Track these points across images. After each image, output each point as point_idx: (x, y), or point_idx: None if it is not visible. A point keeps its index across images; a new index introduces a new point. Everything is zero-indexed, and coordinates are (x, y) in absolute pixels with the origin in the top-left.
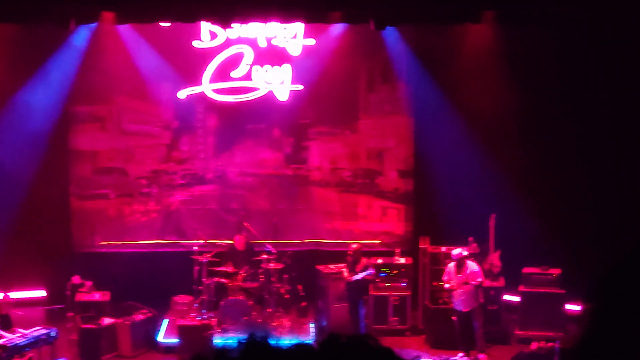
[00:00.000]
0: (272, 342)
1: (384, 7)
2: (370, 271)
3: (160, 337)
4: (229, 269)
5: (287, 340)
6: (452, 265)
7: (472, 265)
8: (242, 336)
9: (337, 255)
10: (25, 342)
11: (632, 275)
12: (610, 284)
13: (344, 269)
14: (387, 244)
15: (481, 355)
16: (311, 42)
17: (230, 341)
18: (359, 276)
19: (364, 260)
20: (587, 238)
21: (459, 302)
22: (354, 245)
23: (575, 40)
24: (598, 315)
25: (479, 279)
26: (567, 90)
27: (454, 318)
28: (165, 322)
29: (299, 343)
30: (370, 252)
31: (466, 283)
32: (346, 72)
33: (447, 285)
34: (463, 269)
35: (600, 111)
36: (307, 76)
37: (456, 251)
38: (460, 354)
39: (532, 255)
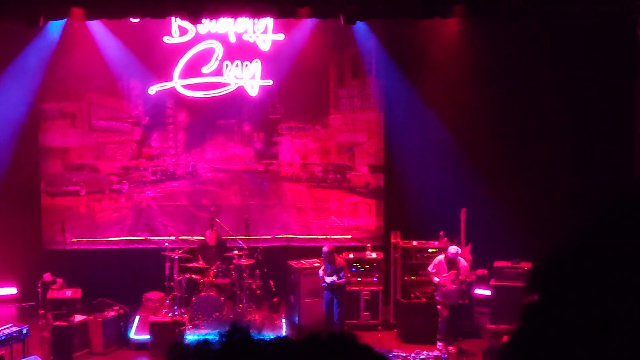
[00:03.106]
0: (253, 334)
1: (354, 2)
2: (341, 276)
3: (132, 334)
4: (200, 264)
5: (262, 336)
6: (442, 257)
7: (462, 261)
8: (221, 329)
9: (308, 251)
10: None
11: (567, 267)
12: (544, 276)
13: (320, 268)
14: (358, 239)
15: (450, 347)
16: (281, 37)
17: (204, 336)
18: (328, 280)
19: (339, 261)
20: (558, 231)
21: (448, 296)
22: (325, 248)
23: (542, 34)
24: (533, 309)
25: (472, 275)
26: (536, 84)
27: (438, 307)
28: (136, 319)
29: (279, 336)
30: (342, 247)
31: (463, 281)
32: (316, 67)
33: (436, 279)
34: (455, 265)
35: (570, 105)
36: (277, 71)
37: (453, 249)
38: (440, 345)
39: (503, 249)
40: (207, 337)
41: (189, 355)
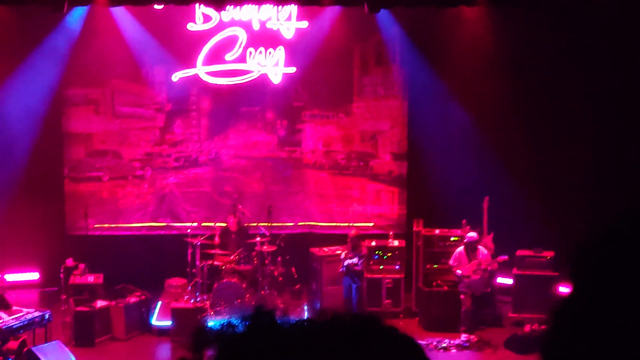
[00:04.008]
0: (278, 317)
1: None
2: (355, 260)
3: (154, 320)
4: (222, 251)
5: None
6: (461, 249)
7: (482, 250)
8: (247, 313)
9: (330, 238)
10: (19, 325)
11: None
12: (582, 263)
13: (343, 253)
14: (380, 227)
15: (472, 336)
16: (305, 24)
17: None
18: (347, 262)
19: (363, 248)
20: (581, 220)
21: (472, 286)
22: (353, 231)
23: (570, 22)
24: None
25: (494, 263)
26: (562, 73)
27: (462, 297)
28: (158, 305)
29: (304, 319)
30: (364, 235)
31: (485, 270)
32: (340, 55)
33: (459, 272)
34: (476, 254)
35: (594, 94)
36: (301, 59)
37: (471, 234)
38: (464, 336)
39: (526, 237)
40: (231, 320)
41: (212, 339)
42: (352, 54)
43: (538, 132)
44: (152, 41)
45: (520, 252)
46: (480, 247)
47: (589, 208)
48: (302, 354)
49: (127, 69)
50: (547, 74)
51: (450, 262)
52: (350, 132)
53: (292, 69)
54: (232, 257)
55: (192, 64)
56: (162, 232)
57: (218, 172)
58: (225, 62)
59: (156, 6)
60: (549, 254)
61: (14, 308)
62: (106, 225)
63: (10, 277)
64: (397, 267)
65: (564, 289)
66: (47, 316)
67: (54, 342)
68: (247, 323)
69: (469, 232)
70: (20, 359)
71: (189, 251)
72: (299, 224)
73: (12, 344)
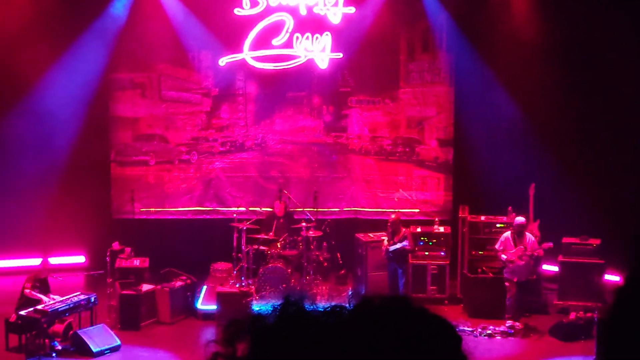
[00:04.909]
0: (307, 305)
1: None
2: (405, 243)
3: (199, 304)
4: (268, 236)
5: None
6: (508, 234)
7: (529, 236)
8: (277, 302)
9: (376, 224)
10: (65, 307)
11: None
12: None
13: (385, 238)
14: (426, 213)
15: (517, 323)
16: (351, 10)
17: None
18: (395, 247)
19: (403, 230)
20: (628, 208)
21: (516, 272)
22: (393, 216)
23: (624, 5)
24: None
25: (540, 249)
26: (609, 61)
27: (507, 284)
28: (204, 289)
29: (333, 305)
30: (410, 221)
31: (531, 256)
32: (386, 40)
33: (504, 257)
34: (522, 240)
35: None
36: (348, 44)
37: (520, 219)
38: (509, 322)
39: (572, 225)
40: (261, 311)
41: (244, 330)
42: (398, 40)
43: (586, 120)
44: (199, 26)
45: (566, 240)
46: (527, 233)
47: (636, 196)
48: (331, 341)
49: (173, 54)
50: (596, 59)
51: (496, 246)
52: (397, 117)
53: (339, 55)
54: (278, 242)
55: (238, 49)
56: (208, 217)
57: (264, 157)
58: (272, 47)
59: None
60: (595, 242)
61: (50, 295)
62: (152, 209)
63: (56, 261)
64: (442, 253)
65: (610, 277)
66: (92, 299)
67: (99, 325)
68: (277, 313)
69: (515, 218)
70: (65, 341)
71: (235, 236)
72: (345, 209)
73: (58, 327)
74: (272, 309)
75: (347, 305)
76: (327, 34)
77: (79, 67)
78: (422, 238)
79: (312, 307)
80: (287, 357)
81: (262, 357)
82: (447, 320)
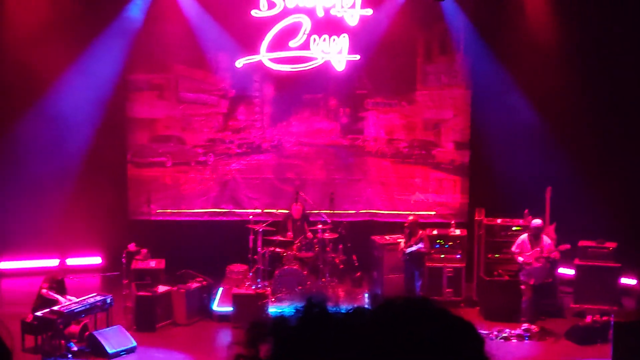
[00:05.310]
0: (329, 307)
1: None
2: (421, 245)
3: (215, 306)
4: (284, 238)
5: (339, 309)
6: (525, 237)
7: (546, 239)
8: (299, 304)
9: (392, 226)
10: (81, 309)
11: None
12: None
13: (401, 240)
14: (442, 216)
15: (533, 326)
16: (369, 12)
17: (285, 310)
18: (411, 249)
19: (420, 232)
20: None
21: (532, 275)
22: (410, 217)
23: (637, 13)
24: None
25: (556, 252)
26: (627, 63)
27: (523, 287)
28: (220, 291)
29: (355, 307)
30: (426, 224)
31: (547, 258)
32: (403, 42)
33: (520, 259)
34: (539, 242)
35: None
36: (365, 46)
37: (537, 221)
38: (525, 326)
39: (588, 228)
40: (284, 312)
41: (267, 332)
42: (416, 42)
43: (602, 123)
44: (216, 27)
45: (582, 243)
46: (543, 235)
47: None
48: (355, 342)
49: (191, 55)
50: (614, 62)
51: (513, 248)
52: (413, 120)
53: (356, 57)
54: (294, 244)
55: (255, 51)
56: (224, 218)
57: (280, 159)
58: (289, 48)
59: None
60: (612, 245)
61: (67, 296)
62: (168, 210)
63: (72, 262)
64: (458, 256)
65: (626, 280)
66: (108, 300)
67: (115, 326)
68: (299, 315)
69: (531, 221)
70: (81, 343)
71: (251, 237)
72: (361, 211)
73: (74, 328)
74: (294, 310)
75: (370, 306)
76: (344, 36)
77: (96, 69)
78: (438, 241)
79: (334, 308)
80: (311, 359)
81: (286, 358)
82: (469, 322)
